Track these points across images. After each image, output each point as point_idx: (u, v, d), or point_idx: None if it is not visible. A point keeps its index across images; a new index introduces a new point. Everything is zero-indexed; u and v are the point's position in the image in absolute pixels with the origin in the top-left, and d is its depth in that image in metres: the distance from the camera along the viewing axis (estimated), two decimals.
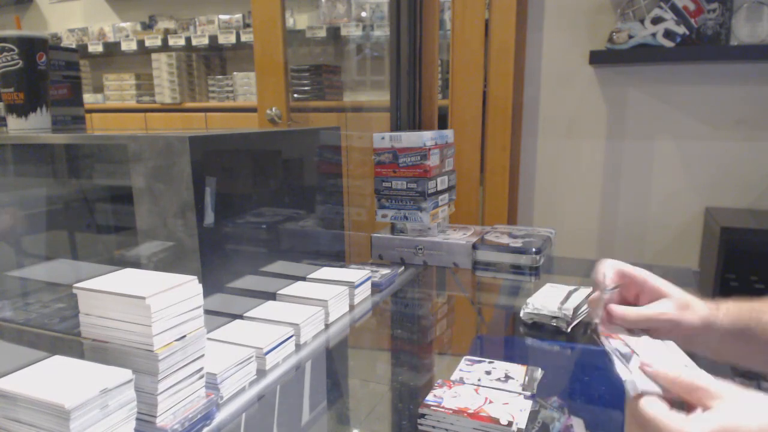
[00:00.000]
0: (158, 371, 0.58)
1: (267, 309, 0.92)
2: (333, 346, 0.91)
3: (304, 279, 1.05)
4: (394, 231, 1.33)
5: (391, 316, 1.13)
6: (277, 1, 2.17)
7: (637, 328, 0.64)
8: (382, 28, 2.86)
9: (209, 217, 0.81)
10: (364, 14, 2.95)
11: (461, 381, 0.74)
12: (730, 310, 0.65)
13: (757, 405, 0.45)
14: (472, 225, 1.45)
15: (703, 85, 1.94)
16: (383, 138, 1.27)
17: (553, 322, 0.97)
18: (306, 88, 2.91)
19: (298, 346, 0.86)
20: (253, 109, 2.72)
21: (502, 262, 1.22)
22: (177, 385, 0.61)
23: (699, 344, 0.66)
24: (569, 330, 0.96)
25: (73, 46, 3.31)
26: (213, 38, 3.38)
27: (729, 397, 0.46)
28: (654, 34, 1.84)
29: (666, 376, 0.49)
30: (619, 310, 0.65)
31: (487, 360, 0.80)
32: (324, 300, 0.94)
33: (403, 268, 1.26)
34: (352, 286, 1.03)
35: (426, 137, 1.24)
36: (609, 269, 0.67)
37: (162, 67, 3.42)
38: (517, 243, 1.23)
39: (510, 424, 0.62)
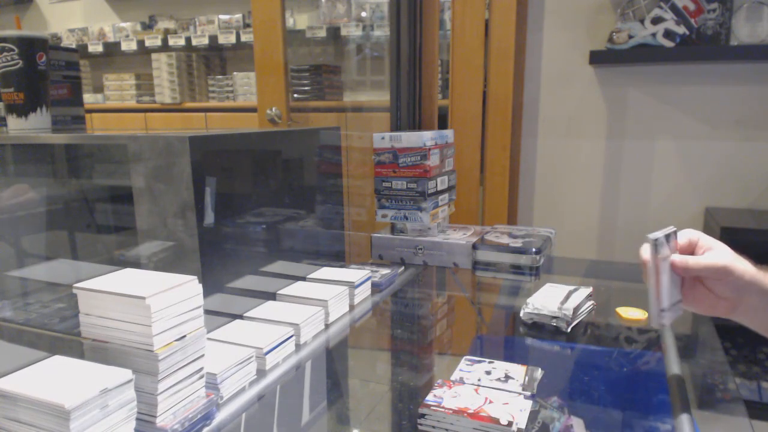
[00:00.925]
0: (158, 371, 0.58)
1: (267, 309, 0.92)
2: (333, 346, 0.91)
3: (304, 279, 1.05)
4: (394, 231, 1.33)
5: (391, 316, 1.13)
6: (277, 1, 2.18)
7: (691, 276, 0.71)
8: (382, 28, 2.86)
9: (209, 217, 0.81)
10: (364, 14, 2.95)
11: (461, 381, 0.74)
12: None
13: None
14: (472, 225, 1.45)
15: (703, 85, 1.94)
16: (383, 138, 1.27)
17: (553, 322, 0.97)
18: (306, 88, 2.91)
19: (298, 346, 0.86)
20: (253, 109, 2.72)
21: (502, 262, 1.22)
22: (177, 385, 0.61)
23: (751, 314, 0.69)
24: (569, 330, 0.96)
25: (73, 46, 3.31)
26: (213, 38, 3.39)
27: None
28: (654, 34, 1.84)
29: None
30: (679, 259, 0.70)
31: (487, 360, 0.80)
32: (324, 300, 0.94)
33: (403, 268, 1.26)
34: (352, 286, 1.03)
35: (426, 137, 1.24)
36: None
37: (162, 67, 3.42)
38: (517, 243, 1.23)
39: (510, 424, 0.62)
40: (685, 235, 0.73)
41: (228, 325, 0.86)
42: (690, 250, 0.73)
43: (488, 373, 0.76)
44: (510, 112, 2.00)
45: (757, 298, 0.68)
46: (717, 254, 0.70)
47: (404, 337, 1.06)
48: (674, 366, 0.81)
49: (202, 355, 0.64)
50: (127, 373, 0.56)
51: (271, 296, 0.97)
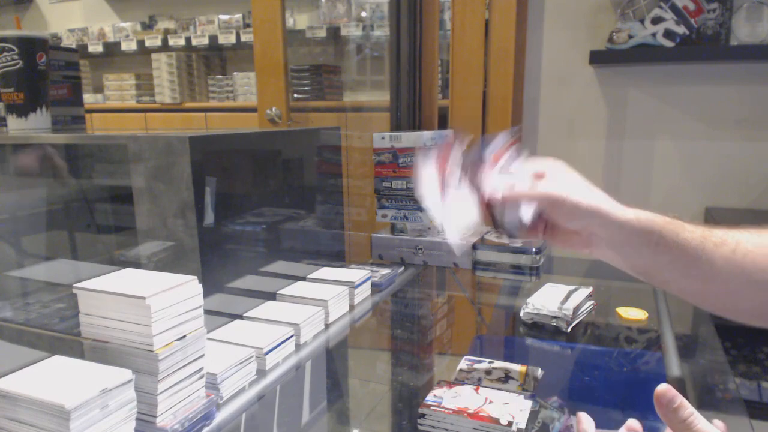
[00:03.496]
0: (158, 371, 0.58)
1: (267, 309, 0.92)
2: (333, 346, 0.91)
3: (304, 279, 1.05)
4: (394, 231, 1.33)
5: (391, 316, 1.13)
6: (277, 1, 2.18)
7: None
8: (382, 28, 2.86)
9: (209, 217, 0.81)
10: (364, 14, 2.95)
11: (461, 381, 0.74)
12: (643, 215, 0.63)
13: None
14: None
15: (703, 85, 1.94)
16: (383, 138, 1.27)
17: (553, 322, 0.97)
18: (306, 88, 2.91)
19: (298, 346, 0.86)
20: (253, 109, 2.72)
21: (502, 262, 1.22)
22: (177, 385, 0.61)
23: (603, 244, 0.65)
24: (569, 330, 0.96)
25: (73, 46, 3.31)
26: (213, 38, 3.39)
27: None
28: (654, 34, 1.84)
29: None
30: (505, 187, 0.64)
31: (487, 360, 0.80)
32: (324, 300, 0.94)
33: (403, 268, 1.26)
34: (352, 286, 1.03)
35: (426, 137, 1.24)
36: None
37: (162, 67, 3.42)
38: (517, 243, 1.23)
39: (510, 424, 0.62)
40: (540, 164, 0.68)
41: (228, 325, 0.86)
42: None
43: (488, 373, 0.76)
44: (510, 112, 2.00)
45: (601, 229, 0.63)
46: (550, 183, 0.64)
47: (404, 337, 1.06)
48: (674, 366, 0.81)
49: (202, 355, 0.64)
50: (127, 373, 0.56)
51: (271, 296, 0.97)
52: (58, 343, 0.80)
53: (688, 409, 0.47)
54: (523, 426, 0.62)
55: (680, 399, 0.47)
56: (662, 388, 0.47)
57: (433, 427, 0.65)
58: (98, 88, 3.80)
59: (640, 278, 0.67)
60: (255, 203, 0.95)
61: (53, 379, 0.55)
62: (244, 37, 3.33)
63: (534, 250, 1.19)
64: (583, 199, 0.63)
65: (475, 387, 0.71)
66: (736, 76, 1.90)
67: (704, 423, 0.46)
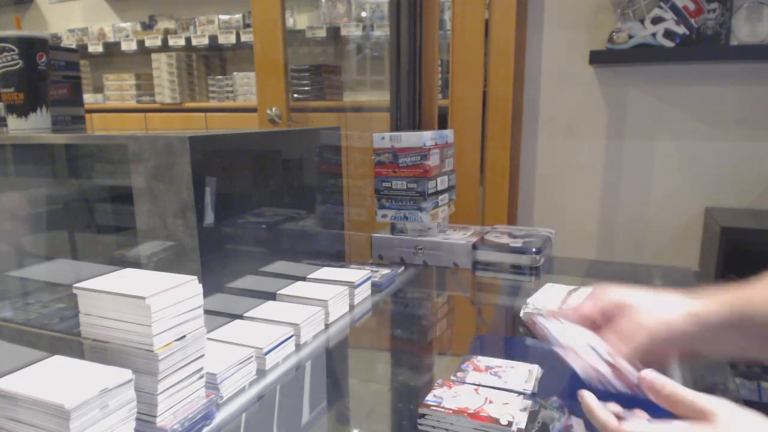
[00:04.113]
0: (158, 371, 0.58)
1: (267, 309, 0.92)
2: (333, 346, 0.91)
3: (304, 279, 1.05)
4: (394, 231, 1.33)
5: (391, 316, 1.13)
6: (277, 1, 2.18)
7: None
8: (382, 28, 2.86)
9: (209, 217, 0.81)
10: (364, 14, 2.95)
11: (461, 381, 0.74)
12: (719, 302, 0.60)
13: (753, 425, 0.45)
14: (472, 225, 1.45)
15: (703, 85, 1.94)
16: (383, 138, 1.27)
17: None
18: (306, 88, 2.91)
19: (298, 346, 0.86)
20: (253, 109, 2.72)
21: (502, 262, 1.22)
22: (177, 385, 0.61)
23: (695, 342, 0.61)
24: None
25: (73, 46, 3.31)
26: (213, 38, 3.38)
27: (727, 415, 0.46)
28: (654, 34, 1.84)
29: (666, 392, 0.50)
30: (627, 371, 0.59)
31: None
32: (324, 300, 0.94)
33: (403, 268, 1.26)
34: (352, 286, 1.03)
35: (426, 137, 1.24)
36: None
37: (162, 67, 3.42)
38: (517, 243, 1.23)
39: (510, 424, 0.62)
40: (599, 303, 0.65)
41: (228, 325, 0.86)
42: (606, 318, 0.64)
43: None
44: (510, 112, 2.00)
45: (695, 341, 0.60)
46: (636, 336, 0.60)
47: (404, 337, 1.06)
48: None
49: (202, 355, 0.64)
50: (127, 373, 0.56)
51: (271, 296, 0.97)
52: (58, 343, 0.80)
53: (669, 386, 0.51)
54: (523, 426, 0.62)
55: (661, 379, 0.51)
56: (643, 373, 0.52)
57: (433, 427, 0.65)
58: (98, 88, 3.80)
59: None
60: (255, 203, 0.95)
61: (53, 379, 0.55)
62: (244, 37, 3.33)
63: (534, 250, 1.19)
64: (670, 330, 0.59)
65: (475, 387, 0.71)
66: (736, 76, 1.90)
67: (683, 389, 0.50)
